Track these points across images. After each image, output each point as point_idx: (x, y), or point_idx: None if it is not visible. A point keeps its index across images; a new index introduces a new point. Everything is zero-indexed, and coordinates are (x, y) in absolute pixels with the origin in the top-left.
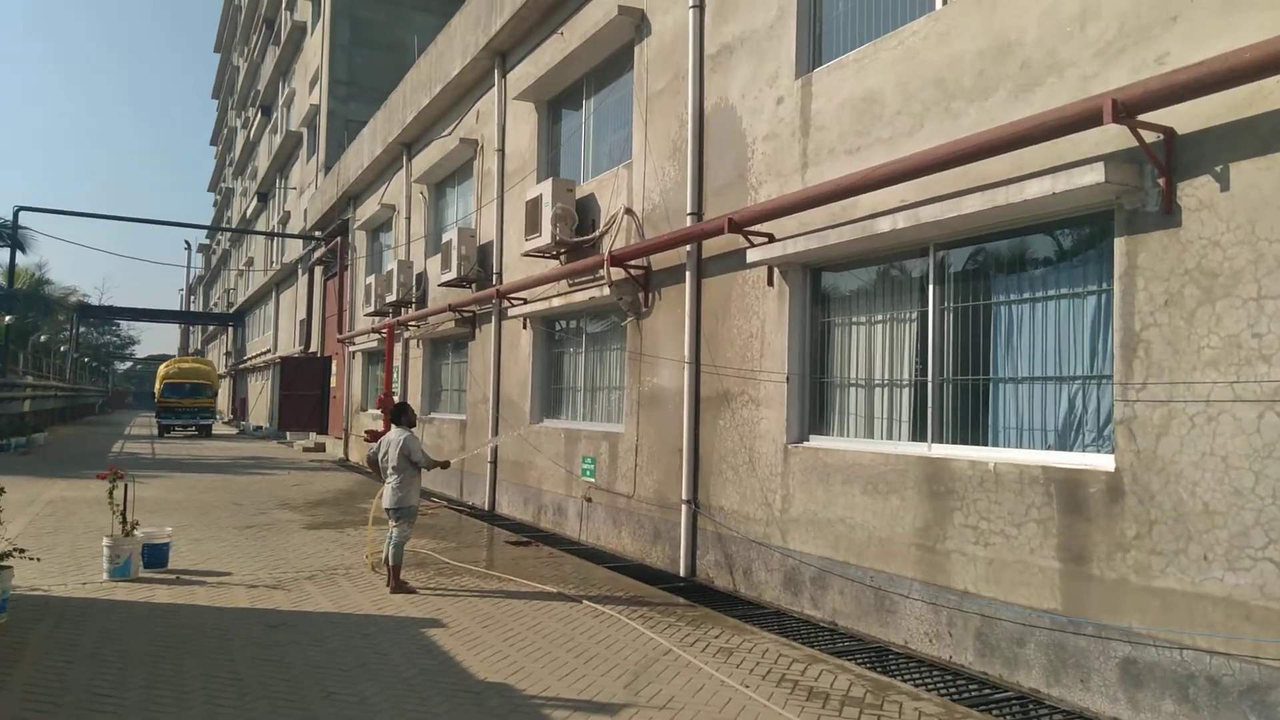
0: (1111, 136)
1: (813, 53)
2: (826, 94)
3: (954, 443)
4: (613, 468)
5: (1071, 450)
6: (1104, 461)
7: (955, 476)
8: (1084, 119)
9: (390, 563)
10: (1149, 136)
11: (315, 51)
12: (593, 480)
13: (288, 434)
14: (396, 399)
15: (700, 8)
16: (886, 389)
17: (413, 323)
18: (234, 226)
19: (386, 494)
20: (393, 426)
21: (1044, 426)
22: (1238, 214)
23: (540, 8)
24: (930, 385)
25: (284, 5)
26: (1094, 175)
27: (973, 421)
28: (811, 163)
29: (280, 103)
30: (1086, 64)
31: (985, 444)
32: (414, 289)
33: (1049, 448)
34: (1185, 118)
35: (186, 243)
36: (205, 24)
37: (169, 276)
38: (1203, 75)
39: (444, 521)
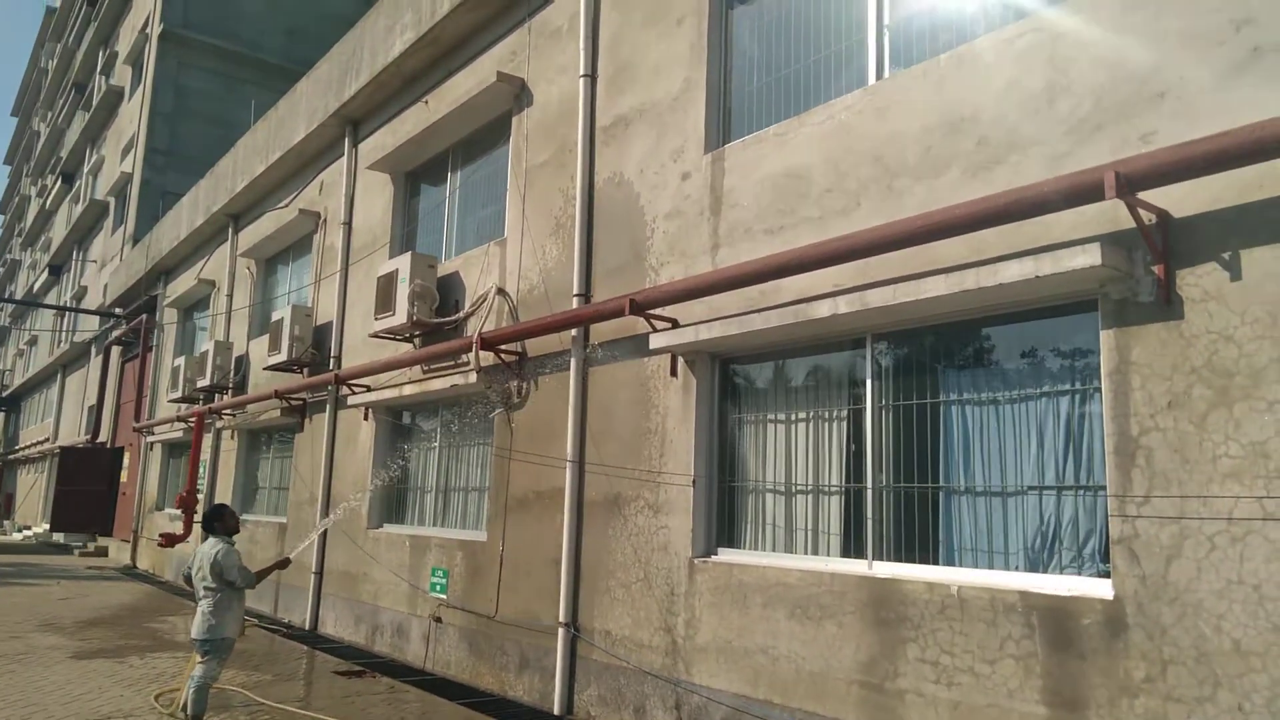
0: (1090, 219)
1: (723, 127)
2: (741, 170)
3: (900, 560)
4: (471, 582)
5: (1054, 573)
6: (1099, 587)
7: (908, 601)
8: (1077, 194)
9: (189, 711)
10: (1143, 218)
11: (132, 118)
12: (444, 596)
13: (62, 536)
14: (202, 497)
15: (592, 77)
16: (811, 496)
17: (228, 411)
18: (18, 299)
19: (196, 620)
20: (206, 536)
21: (1015, 545)
22: (1254, 306)
23: (402, 74)
24: (869, 493)
25: (99, 69)
26: (1087, 258)
27: (921, 537)
28: (724, 243)
29: (86, 170)
30: (1056, 142)
31: (938, 563)
32: (232, 373)
33: (1020, 569)
34: (1182, 200)
35: None
36: (2, 87)
37: None
38: (1227, 147)
39: (255, 644)
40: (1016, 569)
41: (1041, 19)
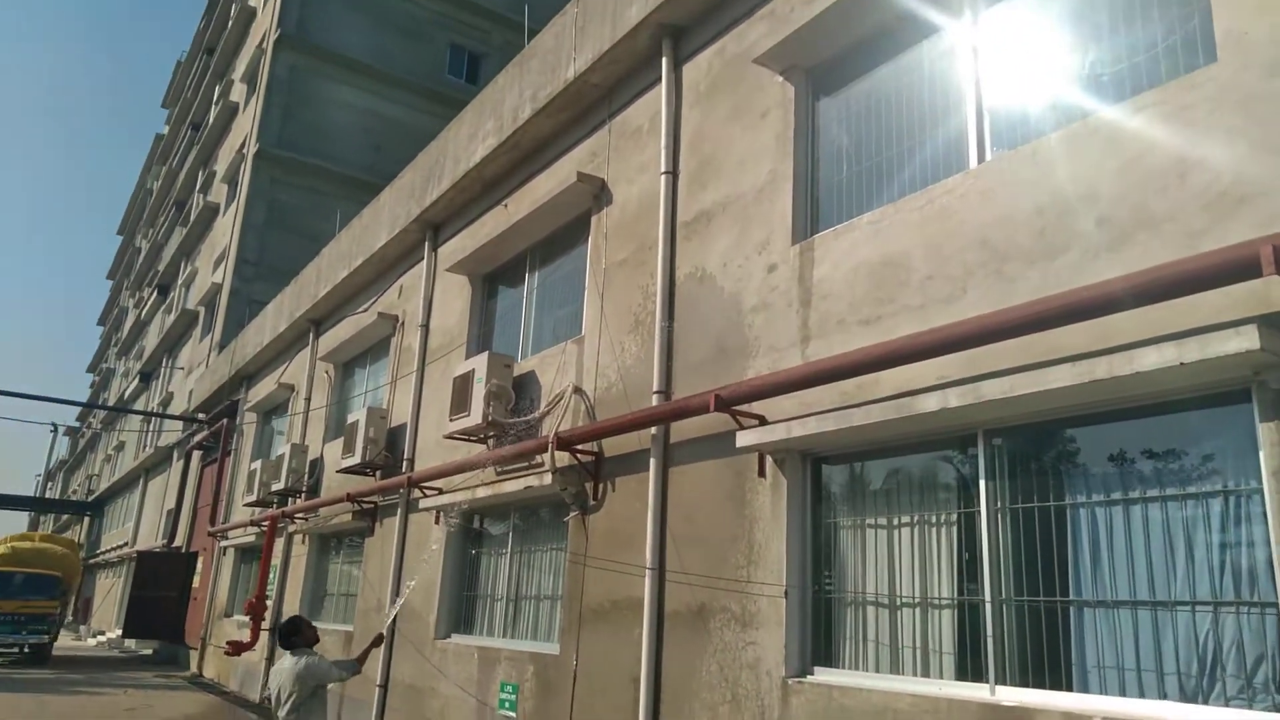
0: (1236, 300)
1: (811, 217)
2: (832, 260)
3: (1028, 685)
4: (542, 699)
5: (1217, 704)
6: None
7: None
8: (1225, 271)
9: None
10: None
11: (225, 231)
12: (513, 714)
13: (133, 642)
14: (270, 603)
15: (673, 174)
16: (919, 610)
17: (300, 515)
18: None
19: None
20: (284, 652)
21: (1164, 669)
22: None
23: (483, 178)
24: (987, 607)
25: (198, 188)
26: (1242, 341)
27: (1051, 657)
28: (815, 335)
29: (180, 282)
30: (1191, 218)
31: (1071, 688)
32: (306, 476)
33: (1172, 698)
34: None
35: (53, 424)
36: (111, 208)
37: (25, 462)
38: None
39: None
40: (1167, 697)
41: (1166, 91)
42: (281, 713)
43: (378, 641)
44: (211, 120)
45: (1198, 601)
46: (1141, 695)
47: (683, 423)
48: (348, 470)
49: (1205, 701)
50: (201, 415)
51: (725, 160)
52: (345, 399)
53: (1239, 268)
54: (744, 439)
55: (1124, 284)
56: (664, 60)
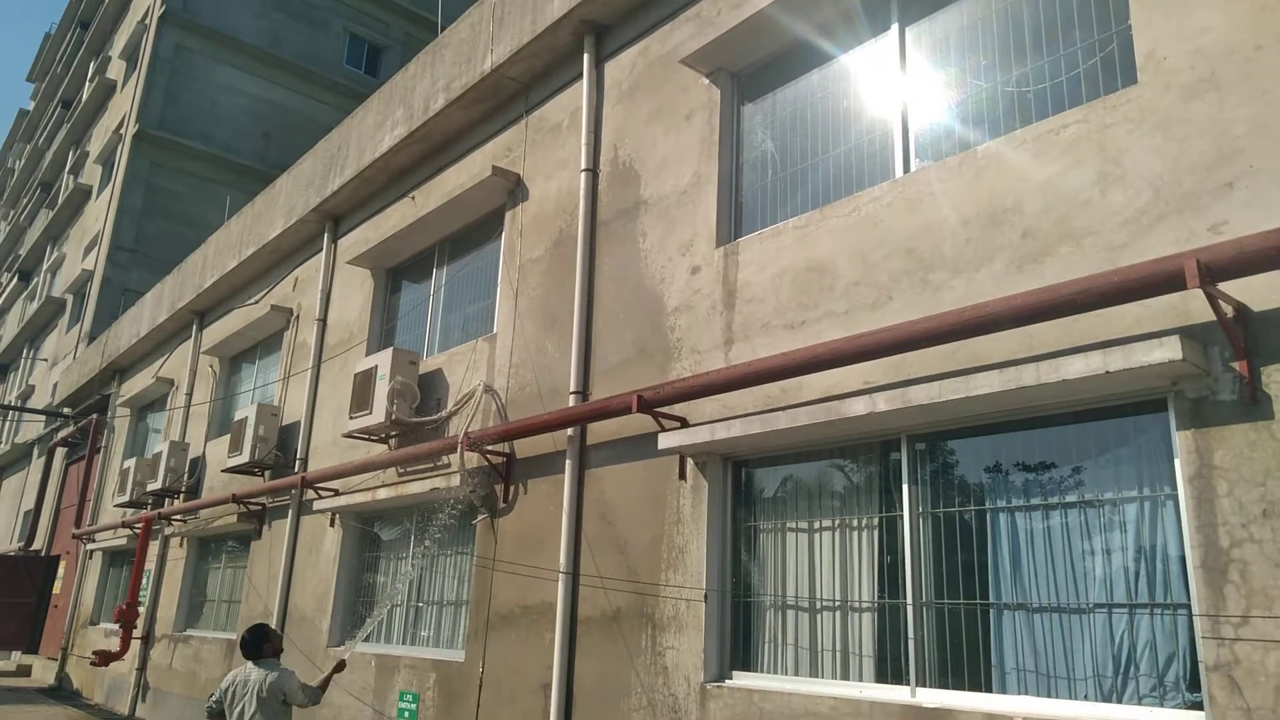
0: (1156, 313)
1: (735, 221)
2: (757, 263)
3: (948, 687)
4: (445, 709)
5: (1130, 703)
6: None
7: None
8: (1151, 283)
9: None
10: (1224, 311)
11: (98, 216)
12: None
13: None
14: (143, 610)
15: (594, 171)
16: (839, 613)
17: (179, 516)
18: None
19: None
20: (248, 662)
21: (1082, 671)
22: None
23: (390, 169)
24: (909, 610)
25: (68, 169)
26: (1165, 352)
27: (970, 659)
28: (739, 338)
29: (45, 267)
30: (1112, 233)
31: (991, 689)
32: (186, 476)
33: (1090, 698)
34: (1263, 294)
35: None
36: None
37: None
38: None
39: None
40: (1086, 697)
41: (1089, 110)
42: None
43: (339, 668)
44: (85, 98)
45: (1114, 604)
46: (1059, 696)
47: (601, 424)
48: (234, 470)
49: (1120, 700)
50: (67, 410)
51: (648, 160)
52: (232, 395)
53: (1165, 280)
54: (666, 441)
55: (1052, 294)
56: (586, 57)
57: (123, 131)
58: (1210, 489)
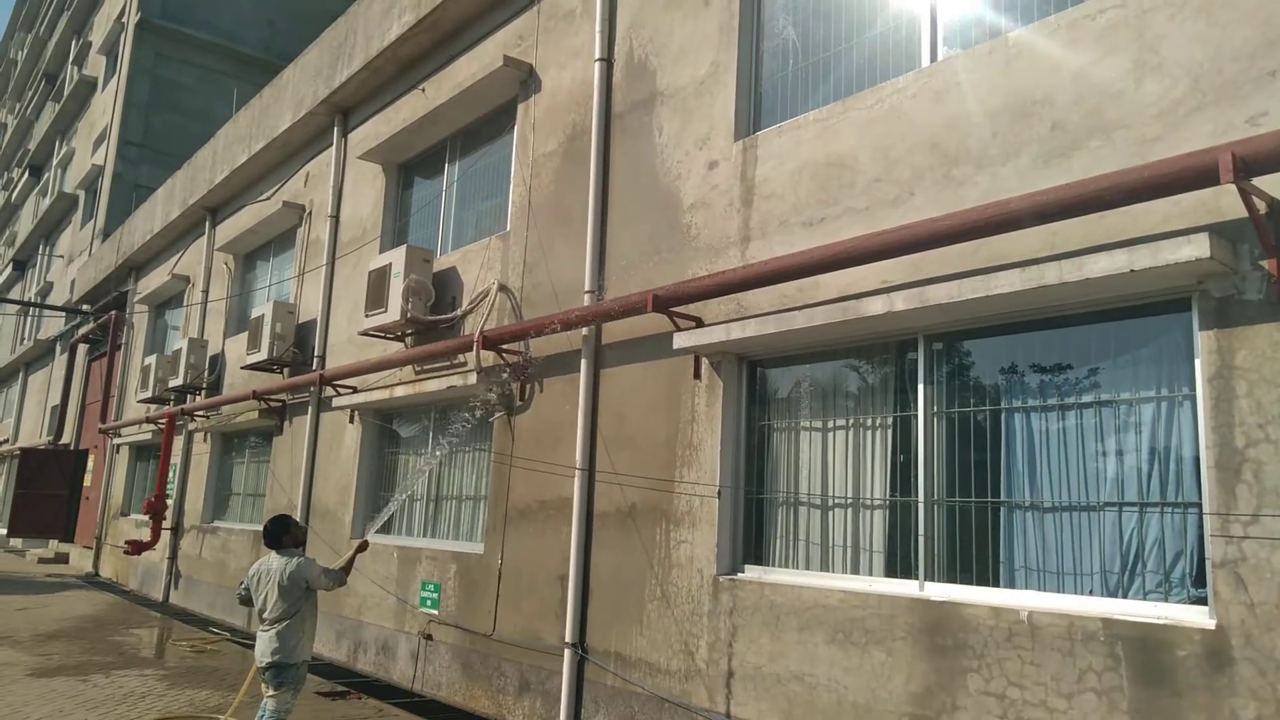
0: (1185, 210)
1: (754, 113)
2: (777, 158)
3: (956, 582)
4: (465, 597)
5: (1136, 598)
6: (1197, 615)
7: (969, 627)
8: (1184, 178)
9: None
10: (1257, 207)
11: (105, 110)
12: (435, 613)
13: (19, 541)
14: (171, 502)
15: (608, 61)
16: (851, 510)
17: (201, 412)
18: None
19: (262, 644)
20: (270, 551)
21: (1090, 567)
22: None
23: (399, 60)
24: (920, 508)
25: (71, 60)
26: (1193, 249)
27: (980, 556)
28: (756, 235)
29: (55, 163)
30: (1145, 125)
31: (999, 585)
32: (206, 372)
33: (1098, 593)
34: None
35: None
36: None
37: None
38: None
39: (228, 661)
40: (1092, 593)
41: None
42: (267, 614)
43: (362, 548)
44: None
45: (1124, 503)
46: (1066, 591)
47: (615, 324)
48: (253, 367)
49: (1126, 596)
50: (86, 307)
51: (664, 49)
52: (248, 292)
53: (1198, 175)
54: (681, 341)
55: (1081, 189)
56: None
57: (125, 20)
58: (1230, 389)
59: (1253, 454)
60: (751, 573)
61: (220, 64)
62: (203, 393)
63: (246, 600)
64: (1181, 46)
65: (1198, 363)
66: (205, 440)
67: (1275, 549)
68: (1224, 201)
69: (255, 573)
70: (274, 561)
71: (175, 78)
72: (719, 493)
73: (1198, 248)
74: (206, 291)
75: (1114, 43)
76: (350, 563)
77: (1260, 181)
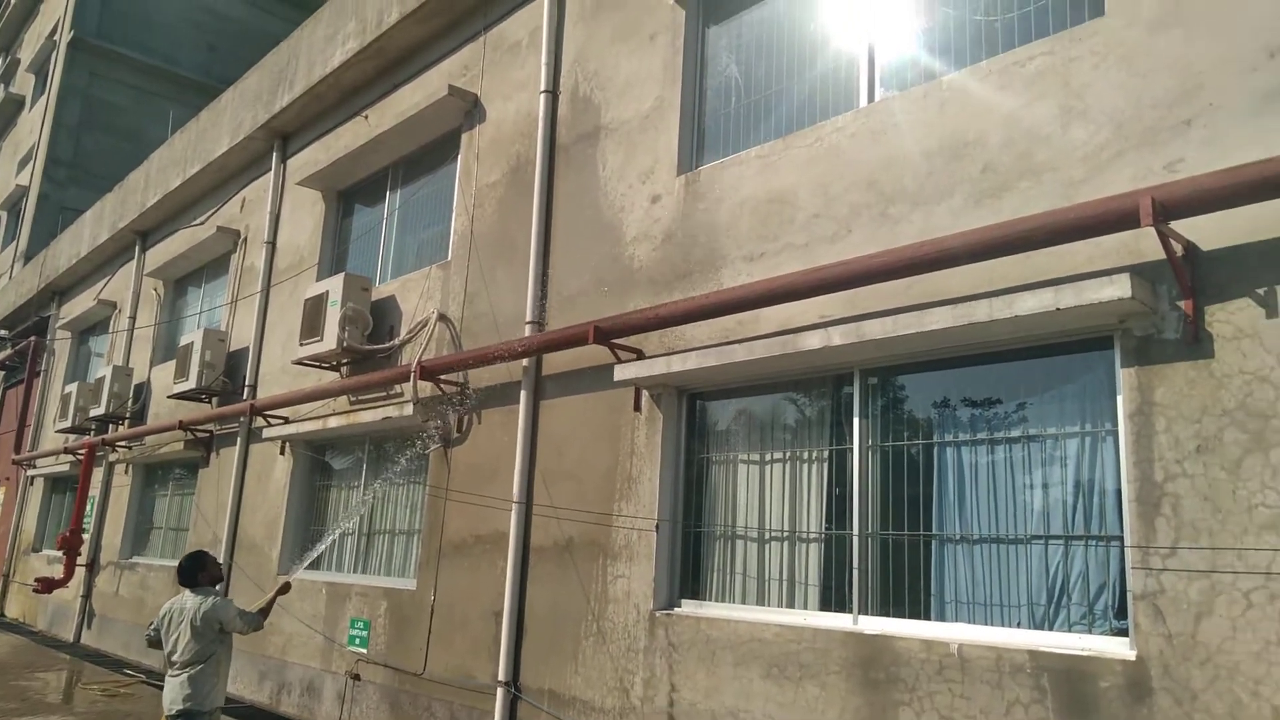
0: (1107, 251)
1: (697, 148)
2: (719, 193)
3: (889, 615)
4: (396, 635)
5: (1062, 630)
6: (1119, 647)
7: (901, 660)
8: (1106, 220)
9: None
10: (1174, 249)
11: (32, 128)
12: (364, 651)
13: None
14: (88, 536)
15: (554, 93)
16: (787, 544)
17: (124, 443)
18: None
19: (171, 691)
20: (185, 590)
21: (1017, 600)
22: None
23: (341, 86)
24: (854, 541)
25: None
26: (1115, 289)
27: (912, 589)
28: (697, 269)
29: None
30: (1072, 169)
31: (931, 618)
32: (130, 401)
33: (1025, 626)
34: (1212, 233)
35: None
36: None
37: None
38: (1274, 175)
39: (141, 705)
40: (1019, 625)
41: (1055, 42)
42: (177, 657)
43: (284, 589)
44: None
45: (1050, 536)
46: (995, 624)
47: (556, 355)
48: (180, 396)
49: (1051, 628)
50: (4, 332)
51: (610, 83)
52: (177, 319)
53: (1120, 217)
54: (622, 373)
55: (1010, 229)
56: None
57: (57, 39)
58: (1149, 425)
59: (1171, 488)
60: (688, 607)
61: (157, 86)
62: (126, 422)
63: (156, 643)
64: (1105, 94)
65: (1119, 399)
66: (126, 472)
67: (1192, 581)
68: (1144, 243)
69: (167, 612)
70: (188, 601)
71: (109, 98)
72: (657, 526)
73: (1119, 288)
74: (134, 317)
75: (1042, 89)
76: (270, 605)
77: (1178, 225)
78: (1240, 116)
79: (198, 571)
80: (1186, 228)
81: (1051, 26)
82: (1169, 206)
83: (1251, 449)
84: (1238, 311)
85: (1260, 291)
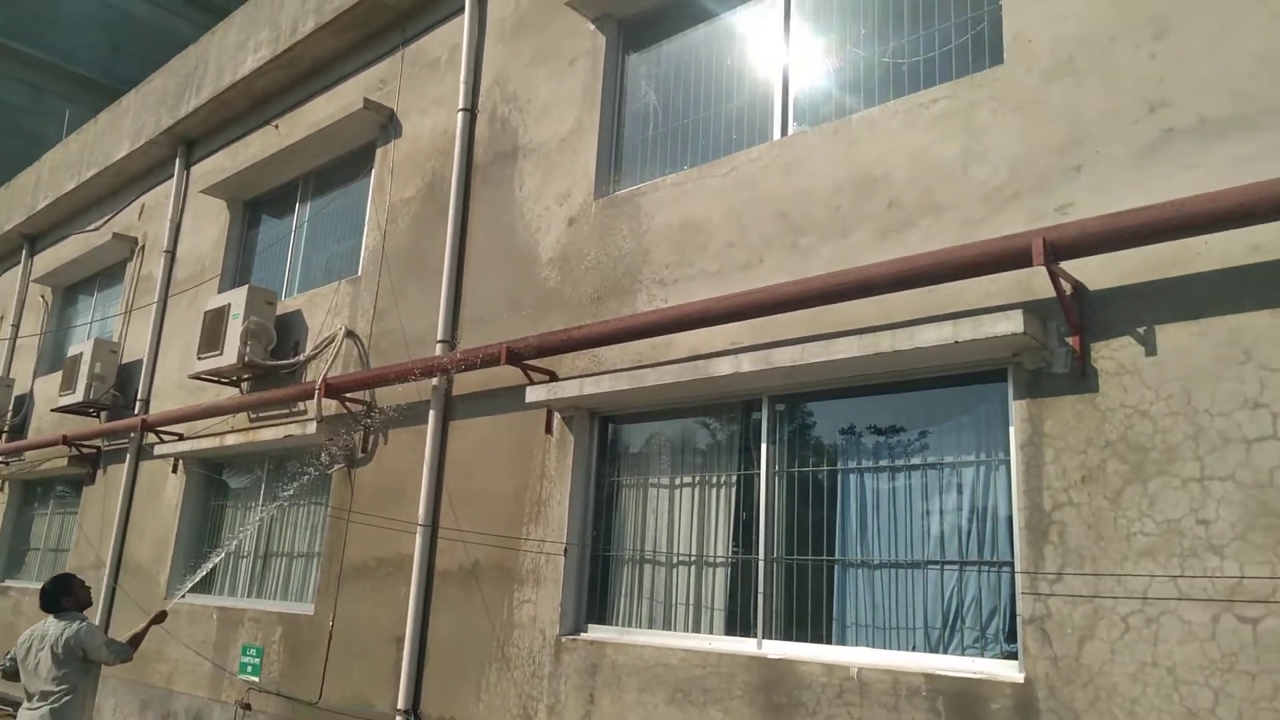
0: (1002, 287)
1: (614, 173)
2: (634, 219)
3: (792, 639)
4: (291, 662)
5: (955, 653)
6: (1008, 670)
7: (803, 684)
8: (1002, 259)
9: None
10: (1064, 288)
11: None
12: (256, 679)
13: None
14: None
15: (471, 111)
16: (694, 568)
17: (1, 458)
18: None
19: None
20: (48, 616)
21: (914, 623)
22: (1169, 382)
23: (251, 94)
24: (760, 565)
25: None
26: (1009, 324)
27: (815, 614)
28: (611, 293)
29: None
30: (971, 208)
31: (832, 641)
32: (10, 414)
33: (920, 649)
34: (1097, 274)
35: None
36: None
37: None
38: (1155, 220)
39: None
40: (915, 649)
41: (958, 86)
42: (39, 686)
43: (159, 619)
44: None
45: (946, 561)
46: (893, 647)
47: (467, 375)
48: (66, 409)
49: (946, 651)
50: None
51: (529, 105)
52: (65, 329)
53: (1014, 256)
54: (534, 395)
55: (911, 264)
56: None
57: None
58: (1039, 455)
59: (1058, 516)
60: (595, 633)
61: (53, 84)
62: (4, 436)
63: (12, 673)
64: (1003, 138)
65: (1011, 430)
66: (2, 489)
67: (1076, 606)
68: (1036, 282)
69: (26, 640)
70: (50, 627)
71: (2, 96)
72: (565, 550)
73: (1013, 323)
74: (17, 326)
75: (945, 130)
76: (143, 634)
77: (1068, 265)
78: (1124, 165)
79: (62, 596)
80: (1076, 268)
81: (954, 71)
82: (1059, 247)
83: (1131, 479)
84: (1120, 349)
85: (1140, 330)
